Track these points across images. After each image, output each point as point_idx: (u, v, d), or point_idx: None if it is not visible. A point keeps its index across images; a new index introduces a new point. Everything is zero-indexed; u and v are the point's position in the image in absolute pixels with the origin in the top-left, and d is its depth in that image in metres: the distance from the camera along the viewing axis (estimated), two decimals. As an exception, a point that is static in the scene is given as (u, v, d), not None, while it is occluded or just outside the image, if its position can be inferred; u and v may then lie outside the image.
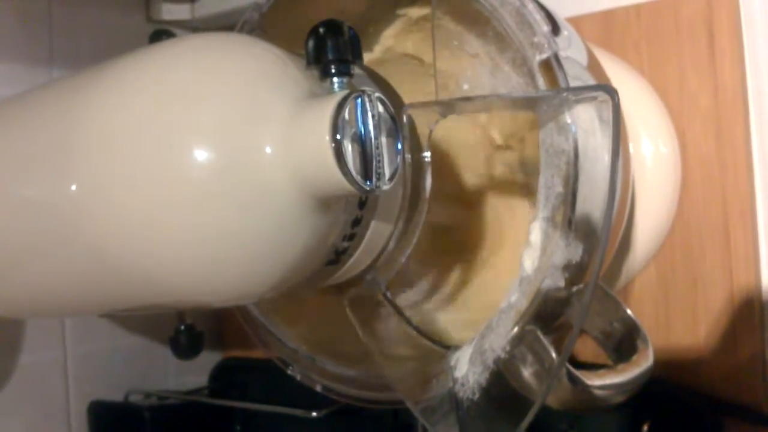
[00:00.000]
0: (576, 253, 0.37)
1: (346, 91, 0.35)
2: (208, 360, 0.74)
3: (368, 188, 0.35)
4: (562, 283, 0.38)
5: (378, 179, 0.35)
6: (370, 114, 0.35)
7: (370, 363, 0.46)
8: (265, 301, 0.52)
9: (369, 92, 0.35)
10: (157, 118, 0.36)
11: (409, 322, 0.44)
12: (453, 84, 0.44)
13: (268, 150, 0.35)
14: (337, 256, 0.40)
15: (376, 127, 0.35)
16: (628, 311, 0.43)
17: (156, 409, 0.67)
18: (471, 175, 0.51)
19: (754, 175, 0.55)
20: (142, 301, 0.41)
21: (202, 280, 0.37)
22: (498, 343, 0.40)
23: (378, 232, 0.41)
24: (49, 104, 0.42)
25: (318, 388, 0.49)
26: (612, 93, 0.34)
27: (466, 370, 0.41)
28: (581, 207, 0.37)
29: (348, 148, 0.34)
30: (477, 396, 0.40)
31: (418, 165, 0.42)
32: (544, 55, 0.40)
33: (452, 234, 0.54)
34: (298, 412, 0.62)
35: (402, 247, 0.43)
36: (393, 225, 0.42)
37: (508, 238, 0.53)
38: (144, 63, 0.39)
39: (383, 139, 0.36)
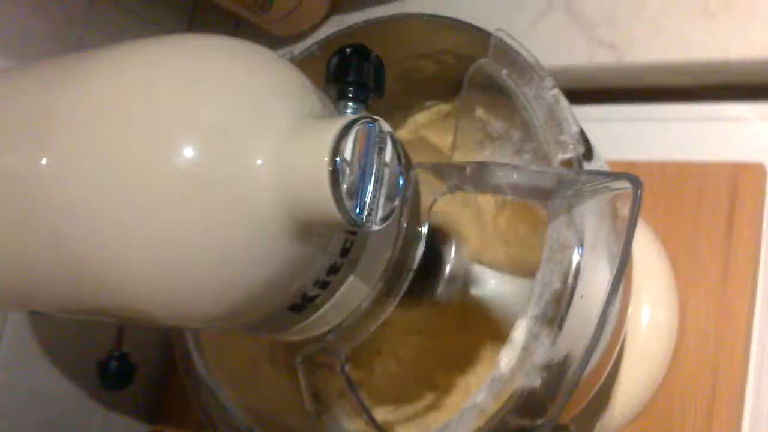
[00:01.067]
0: (560, 353, 0.34)
1: (357, 115, 0.33)
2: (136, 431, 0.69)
3: (357, 221, 0.32)
4: (538, 383, 0.34)
5: (369, 215, 0.32)
6: (377, 146, 0.33)
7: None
8: (218, 364, 0.48)
9: (382, 124, 0.33)
10: (150, 102, 0.34)
11: (361, 404, 0.40)
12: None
13: (259, 161, 0.33)
14: (303, 302, 0.37)
15: (381, 161, 0.33)
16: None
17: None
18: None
19: (750, 362, 0.52)
20: (86, 298, 0.37)
21: (153, 284, 0.34)
22: (452, 444, 0.36)
23: (353, 290, 0.38)
24: (41, 75, 0.40)
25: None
26: (636, 182, 0.32)
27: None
28: (576, 306, 0.34)
29: (346, 173, 0.32)
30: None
31: (412, 233, 0.39)
32: (567, 156, 0.39)
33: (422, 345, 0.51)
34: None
35: (373, 317, 0.39)
36: (371, 287, 0.38)
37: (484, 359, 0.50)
38: (150, 47, 0.36)
39: (385, 176, 0.33)
